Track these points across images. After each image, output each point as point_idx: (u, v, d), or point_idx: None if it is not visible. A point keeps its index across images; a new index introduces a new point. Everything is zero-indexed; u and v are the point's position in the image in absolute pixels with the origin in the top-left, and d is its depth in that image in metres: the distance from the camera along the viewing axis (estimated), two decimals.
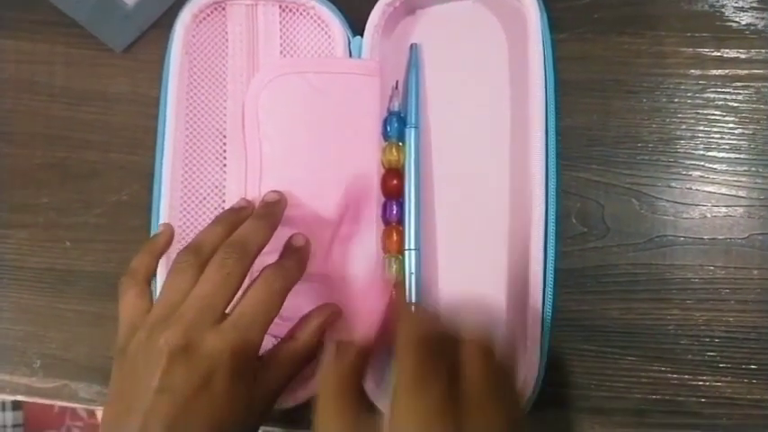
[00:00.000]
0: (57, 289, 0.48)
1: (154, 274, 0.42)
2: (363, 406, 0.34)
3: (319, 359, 0.42)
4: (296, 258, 0.40)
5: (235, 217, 0.40)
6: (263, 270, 0.38)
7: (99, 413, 1.18)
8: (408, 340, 0.32)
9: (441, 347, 0.32)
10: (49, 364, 0.48)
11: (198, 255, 0.37)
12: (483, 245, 0.43)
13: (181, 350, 0.34)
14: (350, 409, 0.32)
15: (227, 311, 0.36)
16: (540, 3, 0.41)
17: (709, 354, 0.42)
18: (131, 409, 0.34)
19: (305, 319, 0.41)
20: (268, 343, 0.40)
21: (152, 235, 0.43)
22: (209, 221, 0.41)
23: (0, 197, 0.49)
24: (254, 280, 0.37)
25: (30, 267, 0.49)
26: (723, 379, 0.42)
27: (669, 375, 0.42)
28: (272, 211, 0.41)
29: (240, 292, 0.37)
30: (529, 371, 0.38)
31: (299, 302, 0.41)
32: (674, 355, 0.42)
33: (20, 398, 0.49)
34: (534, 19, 0.40)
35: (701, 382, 0.42)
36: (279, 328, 0.41)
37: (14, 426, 1.19)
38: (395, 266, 0.43)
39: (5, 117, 0.50)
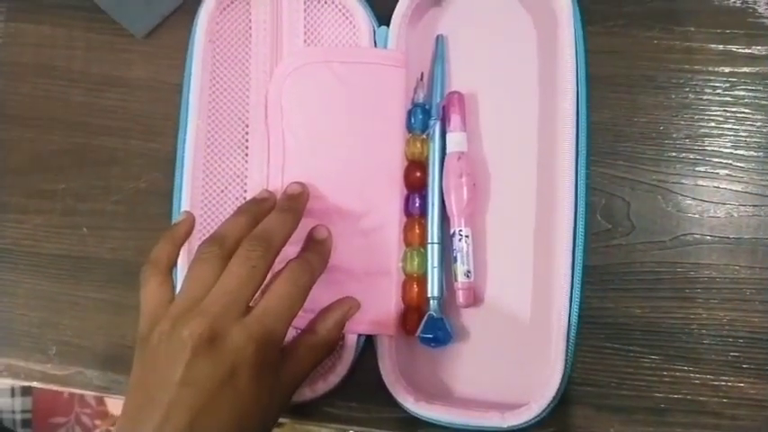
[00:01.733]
0: (73, 276, 0.48)
1: (175, 264, 0.41)
2: None
3: (338, 353, 0.42)
4: (319, 251, 0.40)
5: (257, 208, 0.40)
6: (287, 264, 0.38)
7: (108, 401, 1.18)
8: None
9: None
10: (65, 351, 0.48)
11: (222, 246, 0.37)
12: (509, 240, 0.43)
13: (205, 343, 0.33)
14: None
15: (250, 304, 0.36)
16: None
17: (732, 354, 0.41)
18: (154, 401, 0.33)
19: (325, 312, 0.41)
20: (288, 333, 0.39)
21: (173, 223, 0.43)
22: (231, 211, 0.41)
23: (17, 182, 0.49)
24: (279, 273, 0.37)
25: (46, 254, 0.48)
26: (746, 380, 0.41)
27: (691, 375, 0.42)
28: (296, 204, 0.41)
29: (263, 285, 0.37)
30: (555, 368, 0.38)
31: (320, 294, 0.40)
32: (697, 354, 0.42)
33: (35, 384, 0.48)
34: (566, 12, 0.40)
35: (723, 383, 0.41)
36: (299, 319, 0.40)
37: (23, 411, 1.19)
38: (417, 259, 0.43)
39: (24, 102, 0.49)
